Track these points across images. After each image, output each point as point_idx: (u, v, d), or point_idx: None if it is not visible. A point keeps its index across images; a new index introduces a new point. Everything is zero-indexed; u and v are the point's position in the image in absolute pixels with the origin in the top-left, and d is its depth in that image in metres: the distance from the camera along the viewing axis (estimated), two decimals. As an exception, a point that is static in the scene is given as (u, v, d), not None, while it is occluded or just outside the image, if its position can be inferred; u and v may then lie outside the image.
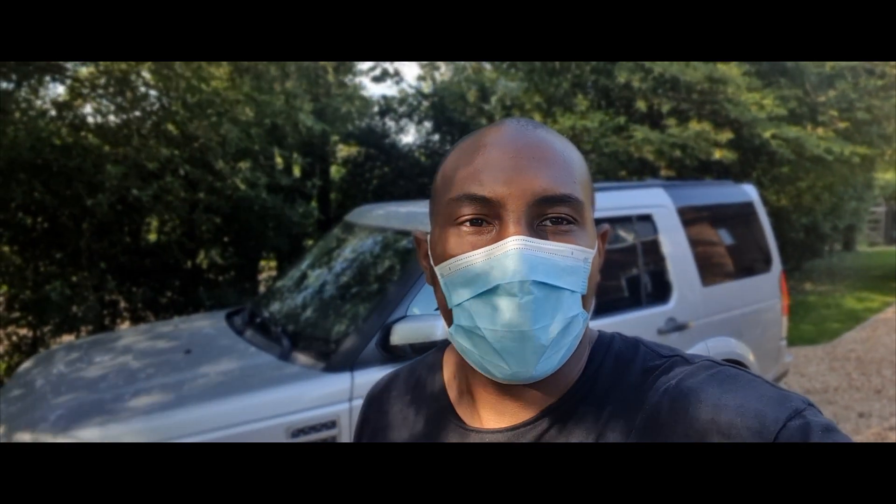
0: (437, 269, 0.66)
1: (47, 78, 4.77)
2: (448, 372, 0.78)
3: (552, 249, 0.60)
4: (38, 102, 4.95)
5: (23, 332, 5.34)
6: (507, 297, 0.59)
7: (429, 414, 0.76)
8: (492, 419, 0.69)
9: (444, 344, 0.82)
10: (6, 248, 5.23)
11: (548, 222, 0.62)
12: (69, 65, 4.76)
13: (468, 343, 0.64)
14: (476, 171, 0.63)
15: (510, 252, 0.59)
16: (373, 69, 9.06)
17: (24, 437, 2.18)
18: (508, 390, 0.68)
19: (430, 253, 0.68)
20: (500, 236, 0.61)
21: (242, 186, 5.45)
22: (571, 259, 0.61)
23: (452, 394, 0.75)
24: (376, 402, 0.85)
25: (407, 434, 0.77)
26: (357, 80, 9.08)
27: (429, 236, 0.70)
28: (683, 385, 0.63)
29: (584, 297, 0.63)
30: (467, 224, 0.62)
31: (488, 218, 0.62)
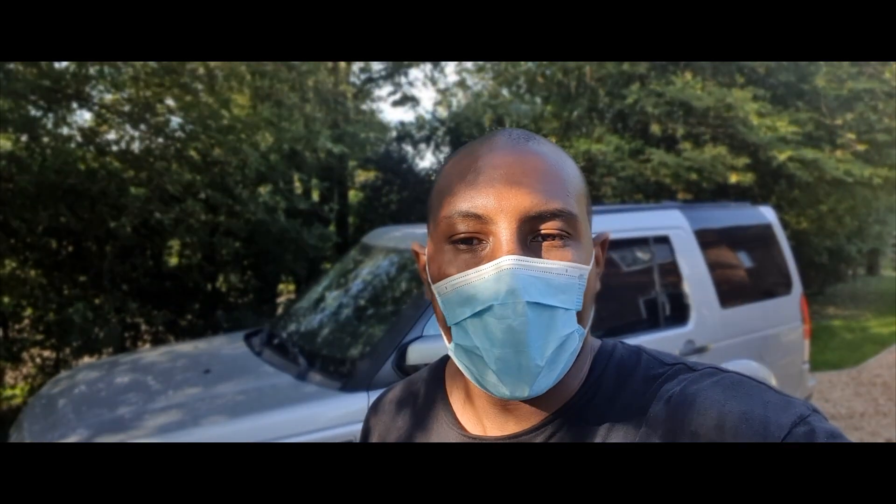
0: (434, 288, 0.66)
1: (74, 105, 4.91)
2: (451, 382, 0.78)
3: (545, 268, 0.60)
4: (65, 129, 5.09)
5: (46, 353, 5.42)
6: (501, 318, 0.59)
7: (431, 423, 0.77)
8: (494, 428, 0.70)
9: (447, 355, 0.82)
10: (32, 272, 5.34)
11: (541, 238, 0.62)
12: (95, 91, 4.90)
13: (467, 361, 0.64)
14: (467, 188, 0.63)
15: (503, 272, 0.59)
16: (393, 93, 9.21)
17: (46, 454, 2.21)
18: (510, 400, 0.67)
19: (427, 268, 0.69)
20: (493, 254, 0.60)
21: (259, 214, 5.52)
22: (566, 276, 0.61)
23: (455, 403, 0.76)
24: (380, 412, 0.86)
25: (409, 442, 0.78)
26: (375, 105, 9.24)
27: (426, 250, 0.71)
28: (687, 392, 0.62)
29: (579, 313, 0.63)
30: (461, 242, 0.63)
31: (481, 235, 0.62)
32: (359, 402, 2.39)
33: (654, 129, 7.37)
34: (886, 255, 16.78)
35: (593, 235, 0.69)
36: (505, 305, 0.59)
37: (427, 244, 0.70)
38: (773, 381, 3.67)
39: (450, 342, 0.66)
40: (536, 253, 0.61)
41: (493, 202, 0.61)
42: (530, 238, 0.61)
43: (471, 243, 0.62)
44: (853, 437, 4.57)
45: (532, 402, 0.67)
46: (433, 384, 0.81)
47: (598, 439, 0.64)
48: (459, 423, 0.73)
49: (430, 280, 0.67)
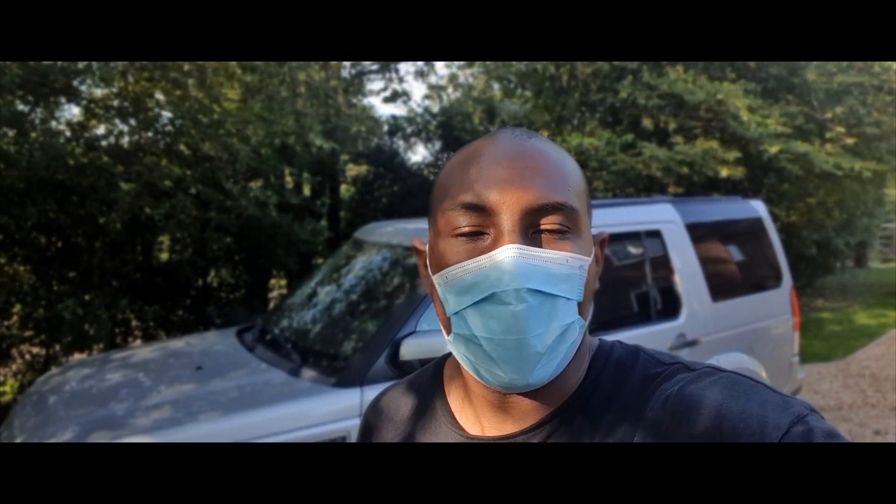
0: (434, 279, 0.66)
1: (63, 99, 4.86)
2: (449, 381, 0.78)
3: (546, 257, 0.61)
4: (54, 123, 5.04)
5: (36, 350, 5.38)
6: (503, 305, 0.59)
7: (430, 423, 0.77)
8: (492, 427, 0.70)
9: (446, 355, 0.82)
10: (20, 268, 5.29)
11: (542, 231, 0.62)
12: (84, 86, 4.85)
13: (466, 351, 0.65)
14: (471, 181, 0.63)
15: (505, 260, 0.59)
16: (384, 90, 9.18)
17: (37, 452, 2.19)
18: (508, 399, 0.68)
19: (427, 262, 0.69)
20: (494, 245, 0.61)
21: (250, 209, 5.49)
22: (566, 266, 0.61)
23: (453, 403, 0.76)
24: (378, 411, 0.86)
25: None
26: (366, 100, 9.20)
27: (427, 244, 0.71)
28: (685, 392, 0.63)
29: (580, 305, 0.63)
30: (463, 234, 0.63)
31: (483, 227, 0.62)
32: (352, 398, 2.39)
33: (646, 122, 7.40)
34: (874, 248, 16.93)
35: (594, 233, 0.70)
36: (506, 293, 0.59)
37: (428, 238, 0.71)
38: (764, 374, 3.70)
39: (448, 334, 0.66)
40: (537, 245, 0.61)
41: (495, 195, 0.62)
42: (531, 231, 0.62)
43: (473, 236, 0.63)
44: (841, 429, 4.63)
45: (530, 400, 0.67)
46: (432, 383, 0.81)
47: (595, 439, 0.64)
48: (458, 422, 0.74)
49: (430, 272, 0.68)
